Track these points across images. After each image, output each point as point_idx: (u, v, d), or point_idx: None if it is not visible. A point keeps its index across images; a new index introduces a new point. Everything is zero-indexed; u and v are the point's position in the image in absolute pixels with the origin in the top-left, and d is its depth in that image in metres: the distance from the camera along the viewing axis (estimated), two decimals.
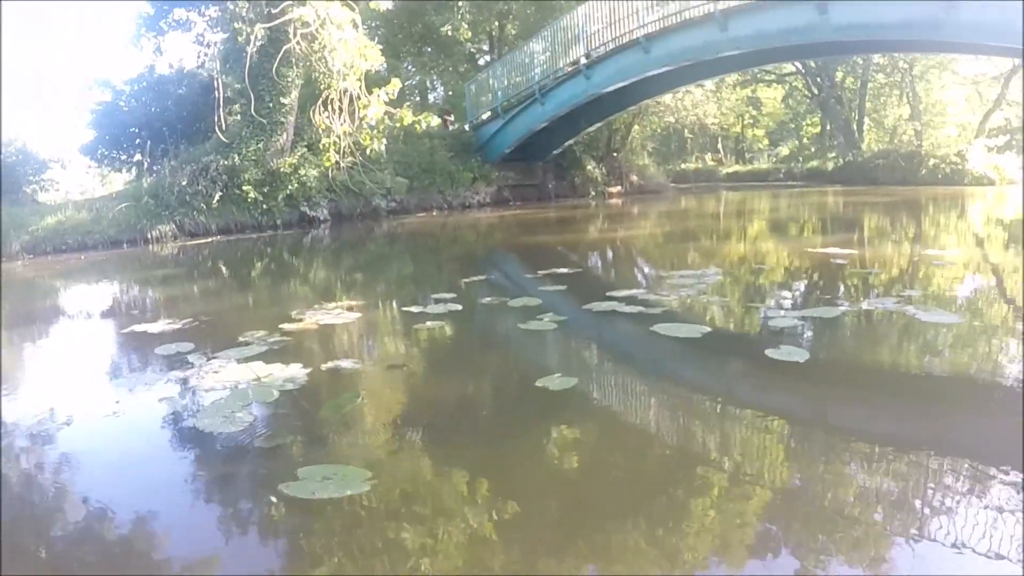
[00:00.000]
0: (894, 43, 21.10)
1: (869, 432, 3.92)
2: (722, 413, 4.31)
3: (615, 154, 32.18)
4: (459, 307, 7.33)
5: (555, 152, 28.90)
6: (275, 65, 20.13)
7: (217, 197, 20.32)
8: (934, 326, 6.05)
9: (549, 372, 4.88)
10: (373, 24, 31.06)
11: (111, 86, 28.29)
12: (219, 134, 20.51)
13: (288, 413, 4.50)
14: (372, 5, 19.25)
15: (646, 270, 10.12)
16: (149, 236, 19.39)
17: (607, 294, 7.51)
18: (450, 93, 36.95)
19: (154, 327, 7.18)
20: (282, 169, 21.19)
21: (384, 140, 20.23)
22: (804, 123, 60.88)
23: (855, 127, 51.52)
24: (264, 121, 21.17)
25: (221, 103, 20.71)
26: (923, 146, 46.97)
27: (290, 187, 21.30)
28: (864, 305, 6.79)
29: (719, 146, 62.21)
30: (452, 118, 30.23)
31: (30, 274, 13.92)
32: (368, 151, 19.99)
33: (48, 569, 2.97)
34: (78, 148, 28.51)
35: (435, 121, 21.23)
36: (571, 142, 28.96)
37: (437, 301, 7.61)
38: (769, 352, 5.18)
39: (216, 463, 3.86)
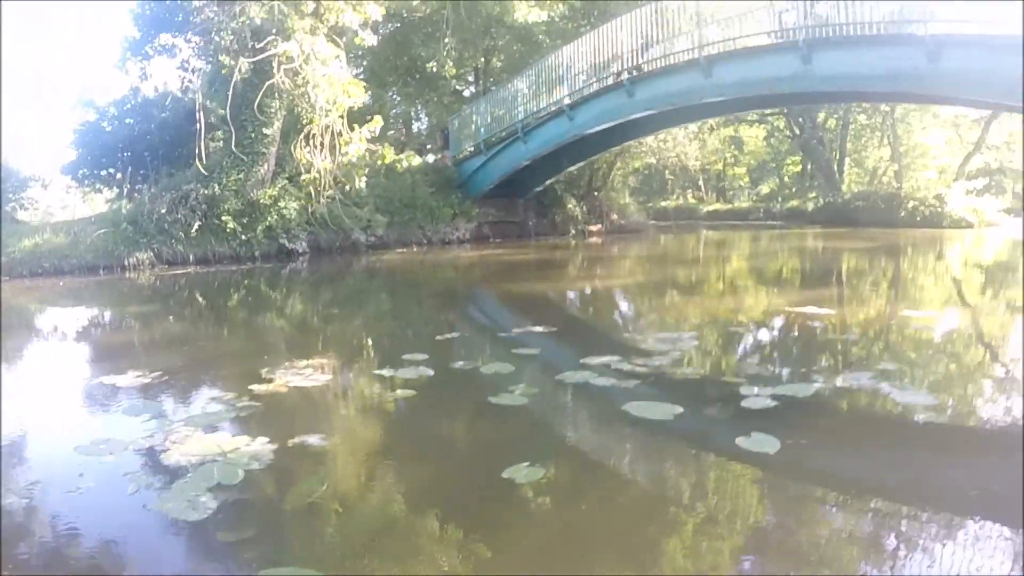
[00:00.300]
0: (880, 94, 21.24)
1: (828, 545, 3.85)
2: (685, 521, 4.23)
3: (596, 193, 32.29)
4: (430, 372, 7.22)
5: (536, 189, 28.90)
6: (258, 97, 20.08)
7: (196, 226, 20.31)
8: (909, 409, 5.98)
9: (517, 460, 4.80)
10: (359, 53, 31.02)
11: (95, 106, 28.25)
12: (200, 166, 20.37)
13: (253, 499, 4.40)
14: (357, 40, 19.19)
15: (622, 331, 10.02)
16: (126, 263, 19.40)
17: (581, 361, 7.41)
18: (434, 122, 36.94)
19: (123, 379, 7.08)
20: (262, 200, 21.15)
21: (365, 177, 20.17)
22: (785, 162, 61.12)
23: (836, 168, 51.78)
24: (246, 151, 21.10)
25: (203, 133, 20.60)
26: (903, 188, 47.28)
27: (269, 219, 21.27)
28: (839, 380, 6.70)
29: (700, 183, 62.35)
30: (449, 151, 30.05)
31: (4, 298, 13.84)
32: (349, 188, 19.92)
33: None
34: (60, 167, 28.45)
35: (416, 160, 21.14)
36: (553, 180, 28.95)
37: (409, 363, 7.50)
38: (740, 441, 5.10)
39: (176, 558, 3.78)
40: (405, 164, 20.74)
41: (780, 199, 55.84)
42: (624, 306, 12.68)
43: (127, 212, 20.84)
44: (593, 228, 31.41)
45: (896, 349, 8.53)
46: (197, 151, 20.80)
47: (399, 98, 38.85)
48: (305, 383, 6.91)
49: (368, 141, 19.62)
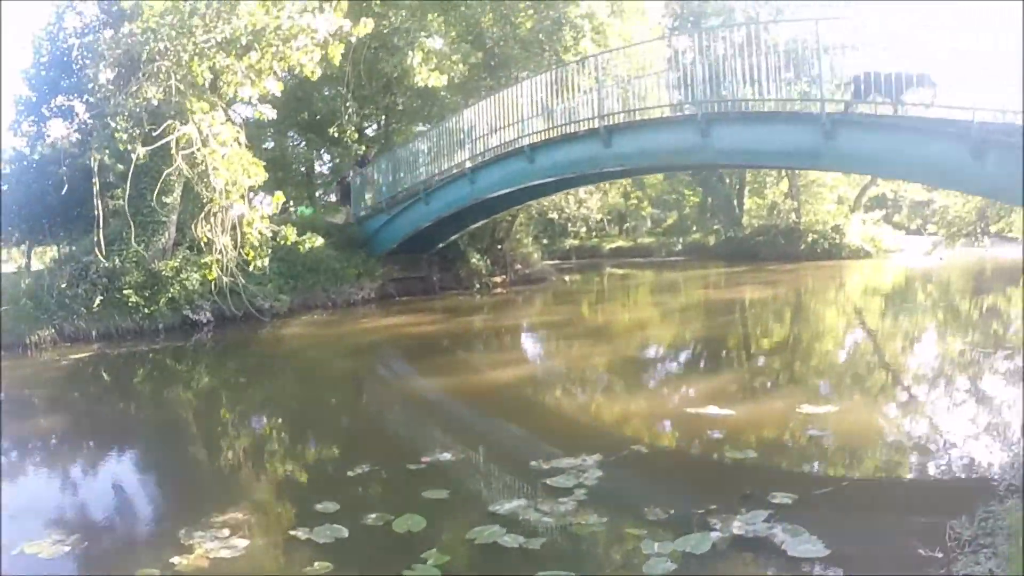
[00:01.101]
0: (779, 165, 21.67)
1: None
2: None
3: (499, 246, 32.35)
4: (344, 532, 7.11)
5: (440, 245, 28.91)
6: (158, 183, 19.93)
7: (98, 301, 20.04)
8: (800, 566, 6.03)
9: None
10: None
11: None
12: (99, 252, 20.03)
13: None
14: (257, 114, 19.04)
15: (526, 454, 9.89)
16: (28, 340, 18.92)
17: (490, 509, 7.39)
18: (338, 161, 36.94)
19: (43, 551, 6.82)
20: (164, 272, 20.86)
21: (267, 258, 19.99)
22: (686, 193, 61.81)
23: (735, 202, 52.53)
24: (146, 220, 20.87)
25: (102, 214, 20.25)
26: (802, 222, 48.08)
27: (172, 291, 21.12)
28: (735, 525, 6.72)
29: (603, 220, 62.66)
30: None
31: None
32: (251, 267, 19.73)
33: None
34: None
35: (319, 241, 20.99)
36: (456, 236, 29.01)
37: (322, 516, 7.40)
38: None
39: None
40: (308, 246, 20.53)
41: (681, 234, 56.37)
42: (523, 415, 12.42)
43: (26, 287, 20.45)
44: (497, 280, 31.50)
45: (793, 471, 8.62)
46: (96, 220, 20.44)
47: (302, 144, 38.89)
48: (224, 553, 6.73)
49: (269, 217, 19.40)
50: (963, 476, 8.13)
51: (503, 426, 11.78)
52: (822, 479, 8.25)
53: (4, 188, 27.56)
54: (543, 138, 21.49)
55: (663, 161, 19.44)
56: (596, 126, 19.80)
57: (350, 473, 8.87)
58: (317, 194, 44.12)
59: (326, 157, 41.52)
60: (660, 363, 16.56)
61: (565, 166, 21.22)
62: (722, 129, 17.30)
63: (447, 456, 9.36)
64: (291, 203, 40.50)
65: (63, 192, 21.67)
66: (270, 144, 36.98)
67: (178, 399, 14.80)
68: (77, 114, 26.91)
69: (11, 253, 32.27)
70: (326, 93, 31.56)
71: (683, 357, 17.22)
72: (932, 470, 8.42)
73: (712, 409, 10.72)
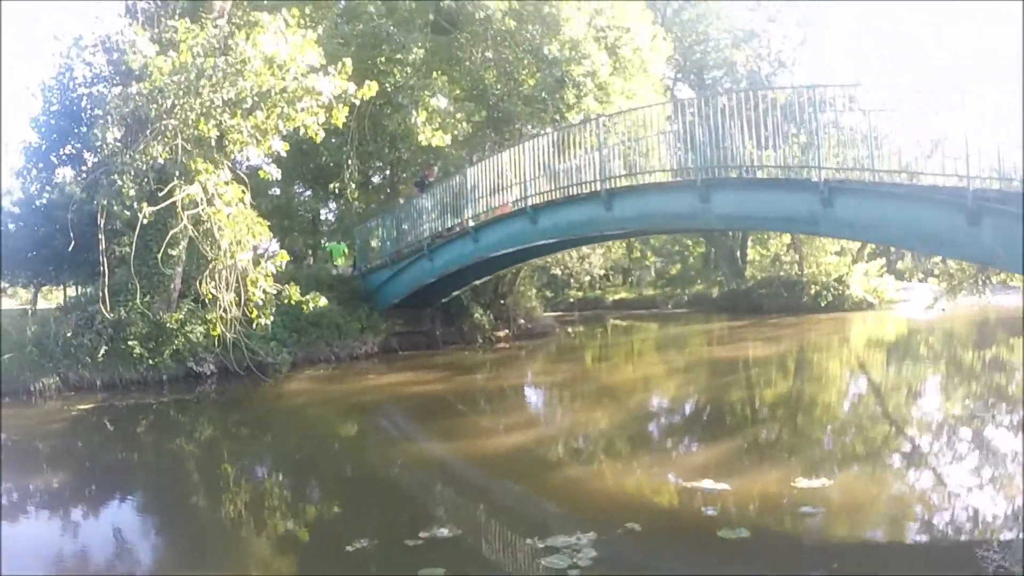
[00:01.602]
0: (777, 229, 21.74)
1: None
2: None
3: (503, 301, 32.45)
4: None
5: (443, 300, 29.02)
6: (164, 243, 20.08)
7: (102, 351, 20.18)
8: None
9: None
10: None
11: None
12: (103, 306, 20.14)
13: None
14: (262, 174, 19.25)
15: (523, 530, 9.92)
16: (32, 388, 19.07)
17: None
18: (343, 207, 37.16)
19: None
20: (168, 324, 21.00)
21: (270, 317, 20.10)
22: (690, 244, 61.95)
23: (739, 255, 52.65)
24: (151, 272, 21.07)
25: (107, 271, 20.37)
26: (805, 274, 48.17)
27: (176, 342, 21.18)
28: None
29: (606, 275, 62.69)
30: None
31: None
32: (255, 325, 19.86)
33: None
34: None
35: (322, 301, 21.09)
36: (459, 292, 29.14)
37: None
38: None
39: None
40: (311, 306, 20.62)
41: (685, 286, 56.31)
42: (522, 486, 12.41)
43: (32, 334, 20.57)
44: (500, 334, 31.62)
45: (784, 554, 8.66)
46: (101, 275, 20.57)
47: (308, 193, 39.24)
48: None
49: (274, 276, 19.53)
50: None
51: (501, 498, 11.83)
52: (814, 561, 8.31)
53: (10, 228, 27.84)
54: (545, 199, 21.60)
55: (663, 225, 19.60)
56: (597, 189, 19.91)
57: (348, 548, 8.93)
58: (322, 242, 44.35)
59: (332, 205, 41.82)
60: (659, 429, 16.58)
61: (567, 228, 21.36)
62: (722, 195, 17.38)
63: (444, 532, 9.42)
64: (298, 249, 40.90)
65: (70, 237, 21.77)
66: (276, 191, 37.24)
67: (181, 451, 14.96)
68: (86, 162, 27.18)
69: (17, 292, 32.47)
70: (332, 142, 31.73)
71: (682, 422, 17.26)
72: (923, 563, 8.44)
73: (707, 483, 10.76)
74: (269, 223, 21.72)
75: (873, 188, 15.22)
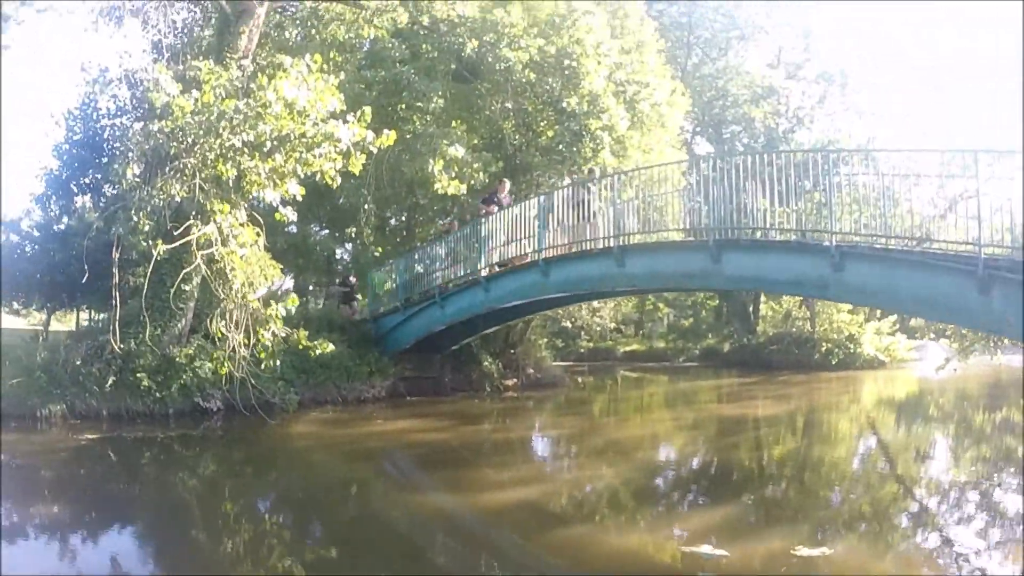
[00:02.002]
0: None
1: None
2: None
3: (512, 350, 32.48)
4: None
5: (453, 347, 29.07)
6: (177, 281, 20.20)
7: (111, 381, 20.27)
8: None
9: None
10: None
11: (19, 231, 28.27)
12: (113, 340, 20.22)
13: None
14: (278, 216, 19.35)
15: None
16: (39, 414, 19.15)
17: None
18: (359, 247, 37.31)
19: None
20: (178, 359, 21.10)
21: (278, 359, 20.16)
22: (703, 297, 61.93)
23: (751, 309, 52.65)
24: (164, 306, 21.17)
25: (118, 302, 20.46)
26: (816, 331, 48.12)
27: (184, 377, 21.23)
28: None
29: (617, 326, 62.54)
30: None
31: None
32: (263, 366, 19.92)
33: None
34: None
35: (330, 347, 21.17)
36: (470, 340, 29.18)
37: None
38: None
39: None
40: (319, 351, 20.68)
41: (696, 339, 56.17)
42: (521, 547, 12.12)
43: (41, 360, 20.65)
44: (509, 383, 31.60)
45: None
46: (112, 309, 20.65)
47: (323, 230, 39.48)
48: None
49: (283, 320, 19.58)
50: None
51: (498, 561, 11.82)
52: None
53: (27, 251, 28.14)
54: (558, 253, 21.68)
55: (674, 283, 19.65)
56: (610, 245, 19.99)
57: None
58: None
59: (348, 245, 42.08)
60: (664, 487, 16.54)
61: (578, 282, 21.42)
62: (733, 256, 17.43)
63: None
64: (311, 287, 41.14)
65: (84, 265, 21.85)
66: (293, 228, 37.42)
67: (184, 485, 15.05)
68: (105, 192, 27.45)
69: (31, 313, 32.71)
70: (350, 184, 31.98)
71: (687, 481, 17.22)
72: None
73: (706, 548, 10.72)
74: (284, 260, 21.76)
75: (884, 254, 15.24)
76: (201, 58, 21.87)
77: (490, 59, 29.39)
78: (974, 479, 16.15)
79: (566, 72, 29.37)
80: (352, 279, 33.11)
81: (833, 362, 46.30)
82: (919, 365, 47.50)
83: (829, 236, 15.70)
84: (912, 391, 37.88)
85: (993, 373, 39.70)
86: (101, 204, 27.88)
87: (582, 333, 55.22)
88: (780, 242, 16.96)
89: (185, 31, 29.87)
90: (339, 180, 19.64)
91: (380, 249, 34.78)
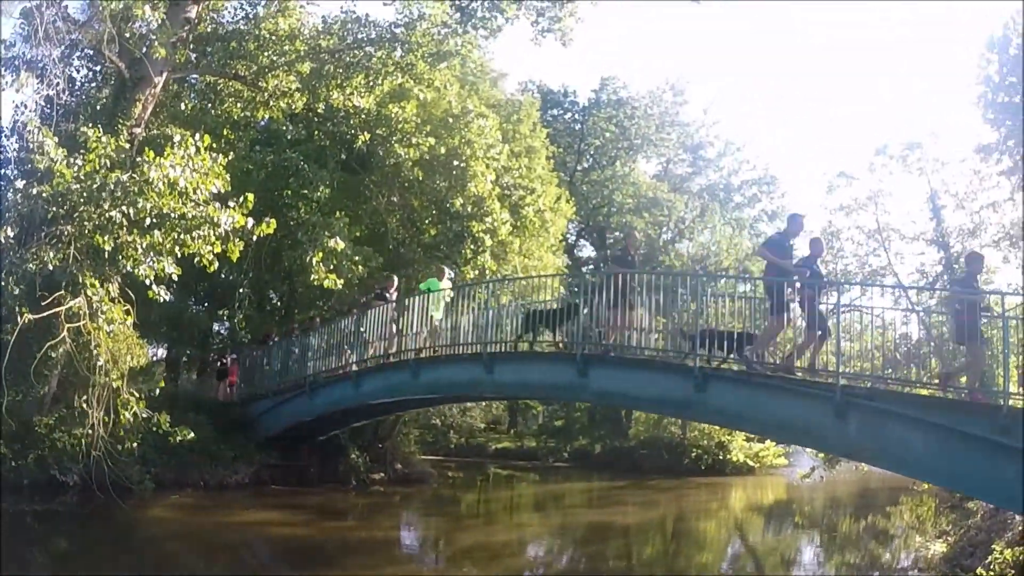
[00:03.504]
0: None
1: None
2: None
3: (380, 444, 32.29)
4: None
5: (321, 438, 28.82)
6: (42, 352, 19.66)
7: None
8: None
9: None
10: None
11: None
12: None
13: None
14: (151, 295, 19.15)
15: None
16: None
17: None
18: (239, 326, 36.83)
19: None
20: (38, 428, 20.36)
21: (137, 441, 19.79)
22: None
23: (624, 414, 53.03)
24: (27, 370, 20.48)
25: None
26: (687, 437, 48.69)
27: (43, 448, 20.41)
28: None
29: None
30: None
31: None
32: (123, 447, 19.52)
33: None
34: None
35: (190, 435, 20.86)
36: (338, 431, 28.98)
37: None
38: None
39: None
40: (179, 438, 20.36)
41: (568, 440, 55.96)
42: None
43: None
44: (376, 476, 31.22)
45: None
46: None
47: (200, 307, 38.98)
48: None
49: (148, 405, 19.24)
50: None
51: None
52: None
53: None
54: (428, 355, 21.78)
55: (543, 394, 19.93)
56: (479, 351, 20.14)
57: None
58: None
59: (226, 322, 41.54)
60: None
61: (447, 385, 21.56)
62: (600, 371, 17.68)
63: None
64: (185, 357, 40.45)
65: None
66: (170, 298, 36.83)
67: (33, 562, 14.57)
68: None
69: None
70: (231, 263, 31.85)
71: None
72: None
73: None
74: (158, 332, 21.08)
75: (746, 378, 15.66)
76: (93, 121, 21.61)
77: (381, 153, 29.69)
78: None
79: (454, 172, 29.75)
80: (228, 357, 32.62)
81: (703, 467, 46.86)
82: (789, 472, 48.39)
83: (693, 358, 16.05)
84: (780, 497, 38.50)
85: (861, 479, 40.66)
86: None
87: (451, 432, 54.56)
88: (646, 359, 17.31)
89: (82, 91, 29.38)
90: (216, 264, 19.52)
91: (257, 328, 34.33)
